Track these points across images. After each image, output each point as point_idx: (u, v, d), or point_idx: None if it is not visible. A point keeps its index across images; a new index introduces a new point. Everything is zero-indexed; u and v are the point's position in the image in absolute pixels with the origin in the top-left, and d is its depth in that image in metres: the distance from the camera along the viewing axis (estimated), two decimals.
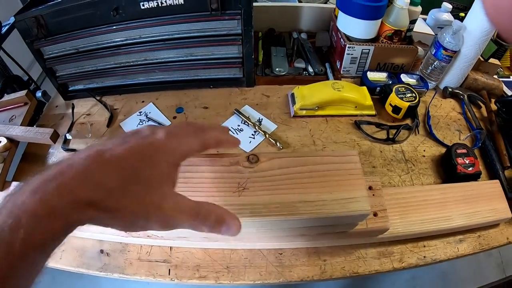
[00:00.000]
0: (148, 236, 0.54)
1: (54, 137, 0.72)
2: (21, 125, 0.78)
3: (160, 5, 0.67)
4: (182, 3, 0.66)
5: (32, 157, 0.77)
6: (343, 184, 0.43)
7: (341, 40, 0.79)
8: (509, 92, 0.90)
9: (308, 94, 0.74)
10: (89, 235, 0.58)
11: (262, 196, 0.41)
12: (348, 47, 0.77)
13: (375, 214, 0.52)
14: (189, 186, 0.41)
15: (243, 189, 0.41)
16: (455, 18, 0.91)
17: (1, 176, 0.66)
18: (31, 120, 0.83)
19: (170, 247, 0.58)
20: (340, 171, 0.44)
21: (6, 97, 0.84)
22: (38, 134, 0.73)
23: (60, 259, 0.56)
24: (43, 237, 0.21)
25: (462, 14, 0.92)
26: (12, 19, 0.93)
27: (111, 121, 0.78)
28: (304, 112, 0.75)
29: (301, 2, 1.00)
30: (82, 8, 0.69)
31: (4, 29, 0.88)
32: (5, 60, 0.90)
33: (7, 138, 0.71)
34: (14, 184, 0.67)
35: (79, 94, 0.85)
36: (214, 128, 0.38)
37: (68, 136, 0.77)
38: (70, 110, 0.82)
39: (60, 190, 0.23)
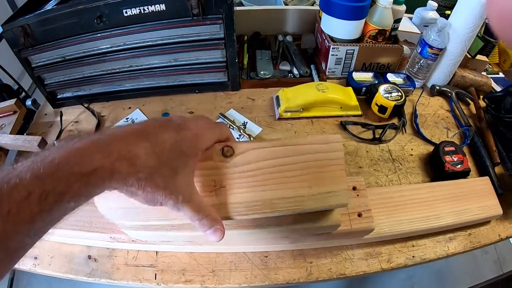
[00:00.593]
0: (133, 240, 0.54)
1: (42, 144, 0.73)
2: (10, 133, 0.78)
3: (142, 12, 0.67)
4: (164, 9, 0.66)
5: None
6: (323, 177, 0.39)
7: (326, 41, 0.79)
8: (498, 88, 0.90)
9: (293, 96, 0.74)
10: (77, 241, 0.58)
11: (240, 194, 0.38)
12: (333, 48, 0.77)
13: (359, 215, 0.51)
14: None
15: (219, 187, 0.38)
16: (441, 16, 0.91)
17: None
18: (21, 129, 0.84)
19: (156, 251, 0.58)
20: (322, 162, 0.39)
21: None
22: (26, 142, 0.73)
23: (49, 265, 0.56)
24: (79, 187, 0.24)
25: (448, 12, 0.92)
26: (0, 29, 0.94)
27: (98, 127, 0.78)
28: (289, 114, 0.75)
29: (287, 5, 1.00)
30: (66, 17, 0.70)
31: None
32: None
33: None
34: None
35: (67, 101, 0.86)
36: (223, 124, 0.40)
37: (56, 144, 0.77)
38: (59, 118, 0.82)
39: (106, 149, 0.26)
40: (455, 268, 1.37)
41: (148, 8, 0.67)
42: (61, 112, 0.83)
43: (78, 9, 0.69)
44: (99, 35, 0.72)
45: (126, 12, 0.68)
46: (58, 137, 0.79)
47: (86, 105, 0.83)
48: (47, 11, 0.73)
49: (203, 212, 0.33)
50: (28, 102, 0.86)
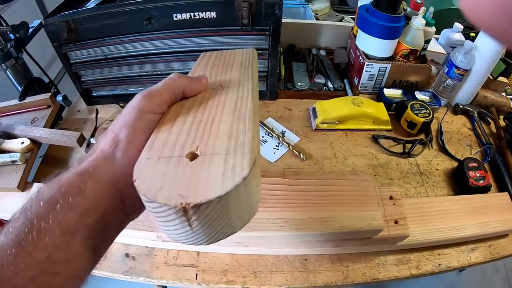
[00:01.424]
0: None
1: (81, 140, 0.75)
2: (44, 127, 0.82)
3: (192, 17, 0.72)
4: (214, 17, 0.71)
5: (52, 159, 0.80)
6: (359, 205, 0.54)
7: (360, 57, 0.86)
8: None
9: (329, 109, 0.80)
10: (117, 239, 0.63)
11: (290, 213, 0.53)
12: (367, 65, 0.84)
13: (396, 222, 0.58)
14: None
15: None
16: (465, 38, 0.98)
17: (23, 177, 0.70)
18: (53, 123, 0.88)
19: (198, 252, 0.61)
20: (357, 193, 0.56)
21: (28, 99, 0.88)
22: (64, 137, 0.76)
23: None
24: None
25: (472, 34, 1.00)
26: (36, 22, 0.98)
27: None
28: (325, 126, 0.81)
29: (318, 19, 1.07)
30: (114, 16, 0.74)
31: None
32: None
33: (30, 139, 0.75)
34: (36, 185, 0.70)
35: (102, 99, 0.90)
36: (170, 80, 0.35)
37: (92, 141, 0.81)
38: (93, 115, 0.87)
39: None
40: (466, 283, 1.44)
41: (198, 14, 0.71)
42: (96, 109, 0.88)
43: (128, 10, 0.73)
44: (145, 36, 0.77)
45: (176, 16, 0.72)
46: (92, 135, 0.83)
47: (121, 105, 0.88)
48: (95, 9, 0.76)
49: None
50: (59, 98, 0.90)
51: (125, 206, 0.28)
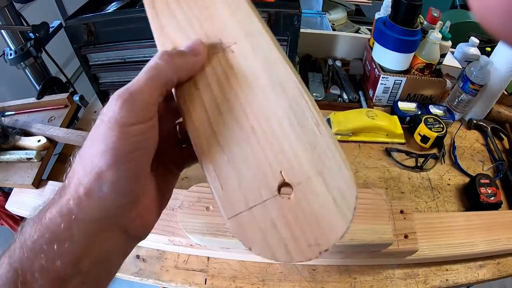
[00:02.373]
0: (191, 245, 0.60)
1: None
2: (60, 126, 0.85)
3: None
4: None
5: (67, 158, 0.84)
6: (370, 218, 0.56)
7: (375, 70, 0.87)
8: None
9: (344, 120, 0.82)
10: None
11: None
12: (382, 77, 0.86)
13: (405, 236, 0.60)
14: None
15: None
16: (481, 52, 0.99)
17: (38, 175, 0.73)
18: (69, 123, 0.91)
19: (208, 257, 0.64)
20: (368, 206, 0.57)
21: (46, 98, 0.91)
22: (80, 137, 0.79)
23: None
24: None
25: (488, 49, 1.01)
26: (56, 23, 1.02)
27: None
28: (338, 137, 0.83)
29: (334, 30, 1.09)
30: (135, 21, 0.75)
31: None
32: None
33: (47, 137, 0.78)
34: (50, 183, 0.73)
35: None
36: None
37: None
38: None
39: None
40: None
41: None
42: None
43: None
44: None
45: None
46: None
47: None
48: (115, 13, 0.79)
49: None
50: (76, 98, 0.93)
51: (129, 235, 0.24)
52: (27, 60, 0.94)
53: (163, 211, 0.29)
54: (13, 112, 0.91)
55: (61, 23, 0.98)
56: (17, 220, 0.89)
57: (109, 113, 0.21)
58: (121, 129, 0.21)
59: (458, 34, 1.08)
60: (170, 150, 0.29)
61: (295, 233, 0.20)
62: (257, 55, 0.25)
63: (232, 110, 0.24)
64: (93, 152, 0.21)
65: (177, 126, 0.30)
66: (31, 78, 0.98)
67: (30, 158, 0.74)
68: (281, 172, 0.22)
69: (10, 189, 0.78)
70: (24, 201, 0.73)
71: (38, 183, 0.73)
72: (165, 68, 0.23)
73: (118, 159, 0.21)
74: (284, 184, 0.21)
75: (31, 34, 0.94)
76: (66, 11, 1.48)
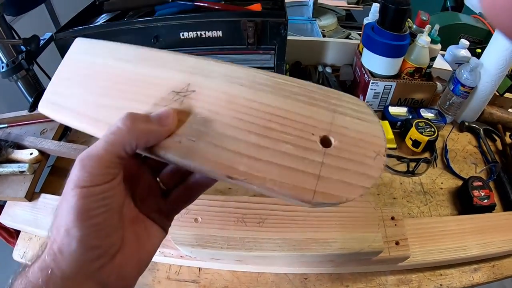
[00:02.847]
0: (181, 256, 0.61)
1: None
2: (52, 139, 0.85)
3: (199, 36, 0.76)
4: (221, 36, 0.75)
5: (60, 171, 0.84)
6: (359, 226, 0.57)
7: (365, 75, 0.88)
8: None
9: None
10: None
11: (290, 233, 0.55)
12: (372, 83, 0.86)
13: (397, 243, 0.60)
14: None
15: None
16: (472, 54, 1.00)
17: (31, 187, 0.74)
18: (61, 135, 0.91)
19: (199, 268, 0.64)
20: (358, 214, 0.58)
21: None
22: (72, 150, 0.80)
23: None
24: None
25: (478, 50, 1.01)
26: (47, 35, 1.02)
27: None
28: None
29: (324, 36, 1.10)
30: (123, 33, 0.77)
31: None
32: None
33: (39, 150, 0.78)
34: (43, 196, 0.74)
35: None
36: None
37: None
38: None
39: None
40: None
41: (205, 33, 0.75)
42: None
43: (136, 28, 0.77)
44: None
45: (183, 35, 0.76)
46: None
47: None
48: (104, 26, 0.80)
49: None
50: None
51: None
52: (19, 73, 0.94)
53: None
54: (6, 125, 0.91)
55: (52, 35, 0.99)
56: (11, 233, 0.89)
57: (72, 175, 0.23)
58: (81, 190, 0.23)
59: (449, 36, 1.09)
60: (154, 202, 0.31)
61: (360, 158, 0.26)
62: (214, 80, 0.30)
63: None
64: (63, 211, 0.23)
65: (158, 179, 0.32)
66: (23, 91, 0.99)
67: (23, 171, 0.75)
68: (312, 134, 0.27)
69: (4, 202, 0.78)
70: (17, 214, 0.74)
71: (31, 196, 0.74)
72: (124, 134, 0.24)
73: (81, 216, 0.22)
74: (322, 141, 0.26)
75: (22, 47, 0.95)
76: (59, 21, 1.50)
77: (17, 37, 0.96)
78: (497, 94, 0.97)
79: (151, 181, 0.31)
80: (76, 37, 0.78)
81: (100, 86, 0.32)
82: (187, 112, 0.28)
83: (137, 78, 0.31)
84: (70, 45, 0.75)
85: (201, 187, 0.32)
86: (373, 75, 0.88)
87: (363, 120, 0.28)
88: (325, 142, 0.27)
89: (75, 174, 0.23)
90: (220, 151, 0.26)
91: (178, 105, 0.29)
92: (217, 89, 0.29)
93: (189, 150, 0.27)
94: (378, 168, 0.26)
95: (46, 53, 0.99)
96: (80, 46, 0.36)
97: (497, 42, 0.81)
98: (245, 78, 0.30)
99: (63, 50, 0.81)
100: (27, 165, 0.75)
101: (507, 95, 0.99)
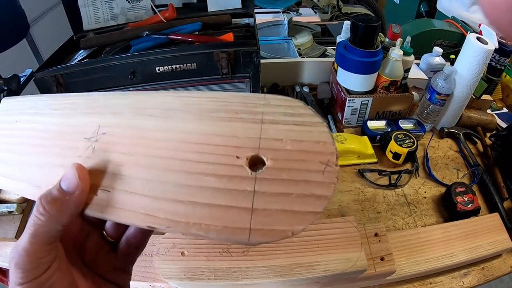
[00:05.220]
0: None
1: None
2: None
3: (174, 69, 0.79)
4: (195, 68, 0.79)
5: None
6: (342, 247, 0.59)
7: (342, 93, 0.92)
8: (503, 125, 1.03)
9: None
10: None
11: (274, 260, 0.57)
12: (349, 100, 0.90)
13: (382, 259, 0.63)
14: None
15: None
16: (446, 60, 1.05)
17: (20, 227, 0.76)
18: None
19: None
20: (340, 235, 0.60)
21: None
22: None
23: None
24: None
25: (452, 56, 1.06)
26: (28, 71, 1.06)
27: None
28: None
29: (300, 54, 1.14)
30: (100, 71, 0.80)
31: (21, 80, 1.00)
32: None
33: None
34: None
35: None
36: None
37: None
38: None
39: None
40: None
41: (180, 66, 0.79)
42: None
43: (113, 65, 0.81)
44: (131, 89, 0.84)
45: (158, 69, 0.80)
46: None
47: None
48: (81, 64, 0.84)
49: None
50: None
51: None
52: None
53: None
54: None
55: (32, 71, 1.01)
56: (4, 272, 0.91)
57: (11, 275, 0.24)
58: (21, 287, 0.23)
59: (423, 43, 1.14)
60: (105, 260, 0.31)
61: (303, 176, 0.21)
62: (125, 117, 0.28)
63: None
64: None
65: (104, 233, 0.32)
66: None
67: (11, 211, 0.77)
68: (237, 157, 0.23)
69: None
70: (8, 254, 0.75)
71: (20, 236, 0.76)
72: (45, 223, 0.24)
73: None
74: (251, 163, 0.22)
75: (4, 86, 0.97)
76: (41, 55, 1.53)
77: None
78: (474, 97, 1.01)
79: (97, 238, 0.31)
80: (54, 76, 0.83)
81: (21, 144, 0.31)
82: (99, 159, 0.26)
83: (53, 129, 0.30)
84: (50, 84, 0.78)
85: (145, 232, 0.32)
86: (349, 92, 0.92)
87: (301, 124, 0.23)
88: (255, 164, 0.23)
89: (11, 274, 0.23)
90: (136, 199, 0.24)
91: (90, 153, 0.27)
92: (126, 126, 0.27)
93: (106, 203, 0.25)
94: (329, 183, 0.21)
95: (28, 90, 1.02)
96: (5, 107, 0.35)
97: (469, 47, 0.85)
98: (154, 106, 0.27)
99: (43, 89, 0.84)
100: (15, 205, 0.77)
101: (484, 96, 1.04)
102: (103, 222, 0.32)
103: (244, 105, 0.25)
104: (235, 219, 0.21)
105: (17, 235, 0.75)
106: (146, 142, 0.26)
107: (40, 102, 0.33)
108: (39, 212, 0.24)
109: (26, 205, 0.80)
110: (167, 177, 0.24)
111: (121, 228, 0.31)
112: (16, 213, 0.77)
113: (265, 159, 0.22)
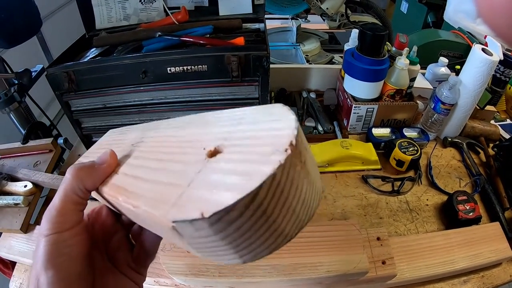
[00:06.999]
0: (176, 285, 0.65)
1: None
2: (46, 171, 0.89)
3: (185, 70, 0.81)
4: (206, 69, 0.80)
5: None
6: (345, 248, 0.62)
7: (348, 100, 0.94)
8: (506, 135, 1.05)
9: (319, 153, 0.89)
10: None
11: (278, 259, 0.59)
12: (355, 107, 0.93)
13: (383, 262, 0.65)
14: None
15: None
16: (451, 70, 1.07)
17: (26, 219, 0.78)
18: (54, 167, 0.96)
19: None
20: (343, 237, 0.63)
21: (31, 143, 0.96)
22: None
23: None
24: None
25: (458, 67, 1.08)
26: (38, 67, 1.08)
27: None
28: None
29: (308, 60, 1.17)
30: (112, 69, 0.82)
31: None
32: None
33: (33, 183, 0.82)
34: (38, 227, 0.77)
35: None
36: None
37: None
38: None
39: None
40: None
41: (191, 68, 0.81)
42: None
43: (125, 63, 0.82)
44: (142, 88, 0.85)
45: (170, 70, 0.81)
46: None
47: None
48: (93, 61, 0.85)
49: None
50: (60, 141, 0.99)
51: None
52: (11, 105, 0.99)
53: None
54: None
55: (43, 67, 1.04)
56: (7, 264, 0.92)
57: (40, 229, 0.27)
58: (45, 238, 0.27)
59: (430, 53, 1.16)
60: (123, 257, 0.34)
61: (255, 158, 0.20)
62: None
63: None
64: (35, 258, 0.27)
65: (130, 235, 0.36)
66: (16, 123, 1.03)
67: (18, 204, 0.79)
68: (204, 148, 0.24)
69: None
70: (13, 246, 0.78)
71: (26, 228, 0.78)
72: (72, 182, 0.28)
73: (46, 264, 0.26)
74: (212, 153, 0.23)
75: (14, 80, 1.00)
76: (51, 52, 1.56)
77: (8, 69, 1.01)
78: (478, 107, 1.03)
79: (122, 237, 0.35)
80: (66, 72, 0.85)
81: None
82: (128, 155, 0.33)
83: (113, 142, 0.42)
84: (62, 79, 0.80)
85: (155, 237, 0.34)
86: (355, 99, 0.94)
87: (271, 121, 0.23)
88: (214, 154, 0.23)
89: (41, 225, 0.27)
90: (129, 180, 0.29)
91: (128, 152, 0.34)
92: (157, 136, 0.35)
93: (114, 181, 0.30)
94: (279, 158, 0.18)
95: (37, 85, 1.05)
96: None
97: (474, 58, 0.87)
98: (181, 121, 0.34)
99: (54, 84, 0.86)
100: (21, 197, 0.79)
101: (488, 107, 1.06)
102: (131, 224, 0.36)
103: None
104: (166, 193, 0.22)
105: (23, 227, 0.77)
106: (159, 143, 0.33)
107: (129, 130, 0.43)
108: (69, 173, 0.29)
109: (32, 197, 0.82)
110: (150, 164, 0.29)
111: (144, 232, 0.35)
112: (22, 206, 0.79)
113: (223, 148, 0.23)
